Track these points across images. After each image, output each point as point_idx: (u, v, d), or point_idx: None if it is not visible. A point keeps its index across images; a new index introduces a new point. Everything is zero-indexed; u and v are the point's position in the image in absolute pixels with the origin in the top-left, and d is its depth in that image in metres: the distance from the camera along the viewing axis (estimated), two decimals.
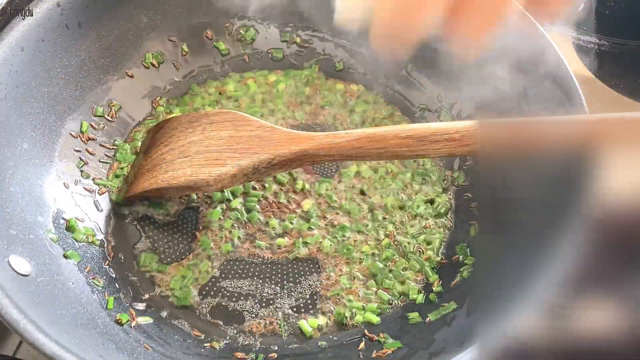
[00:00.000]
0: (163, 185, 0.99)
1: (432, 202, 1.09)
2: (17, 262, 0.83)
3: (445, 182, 1.11)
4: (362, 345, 0.93)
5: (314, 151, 0.94)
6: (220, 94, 1.20)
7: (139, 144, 1.12)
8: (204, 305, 0.98)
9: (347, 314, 0.96)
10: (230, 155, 0.97)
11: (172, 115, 1.14)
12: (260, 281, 1.00)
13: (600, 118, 0.84)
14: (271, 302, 0.99)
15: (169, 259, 1.02)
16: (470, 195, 1.08)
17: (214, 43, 1.21)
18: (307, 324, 0.96)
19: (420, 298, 0.98)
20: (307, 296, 0.99)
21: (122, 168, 1.09)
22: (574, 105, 0.92)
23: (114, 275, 0.98)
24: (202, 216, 1.06)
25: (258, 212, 1.06)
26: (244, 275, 1.01)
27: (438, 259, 1.02)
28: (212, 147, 0.99)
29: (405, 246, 1.03)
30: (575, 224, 0.83)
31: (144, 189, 1.01)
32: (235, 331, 0.96)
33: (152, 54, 1.17)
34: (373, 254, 1.03)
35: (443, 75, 1.14)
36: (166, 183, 0.99)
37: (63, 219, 0.98)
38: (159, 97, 1.17)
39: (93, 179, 1.06)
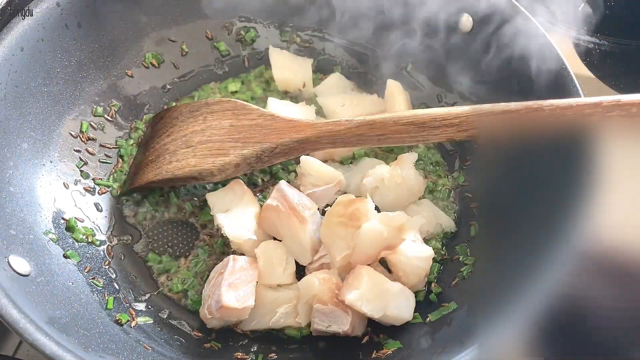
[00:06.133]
0: (167, 176, 0.99)
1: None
2: (17, 262, 0.83)
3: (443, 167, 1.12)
4: (362, 342, 0.93)
5: (315, 138, 0.94)
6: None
7: (141, 134, 1.12)
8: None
9: None
10: (233, 145, 0.97)
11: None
12: None
13: (597, 102, 0.84)
14: None
15: (169, 259, 1.02)
16: (470, 195, 1.08)
17: (214, 43, 1.21)
18: (293, 329, 0.96)
19: (420, 297, 0.97)
20: None
21: (125, 165, 1.09)
22: None
23: (113, 276, 0.98)
24: (201, 215, 1.06)
25: None
26: None
27: (443, 252, 1.03)
28: (215, 137, 0.99)
29: None
30: (574, 225, 0.83)
31: (149, 179, 1.01)
32: (235, 330, 0.96)
33: (152, 54, 1.16)
34: None
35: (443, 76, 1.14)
36: (171, 174, 0.99)
37: (63, 219, 0.98)
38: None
39: (93, 179, 1.06)
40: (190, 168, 0.97)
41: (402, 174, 1.01)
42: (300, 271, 0.99)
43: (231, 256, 0.94)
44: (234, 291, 0.89)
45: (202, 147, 0.99)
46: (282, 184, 0.98)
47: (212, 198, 1.01)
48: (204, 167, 0.97)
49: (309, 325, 0.94)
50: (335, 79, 1.20)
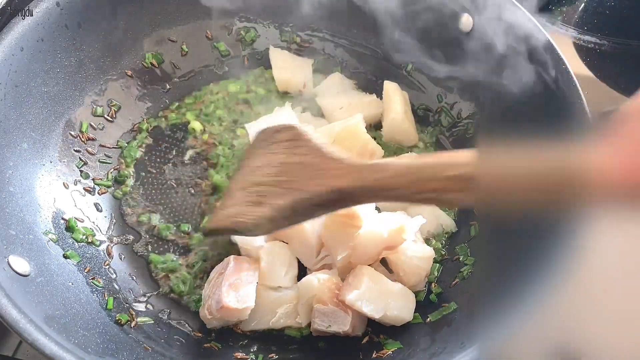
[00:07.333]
0: (219, 225, 0.85)
1: None
2: (17, 262, 0.83)
3: None
4: (362, 342, 0.93)
5: (358, 189, 0.75)
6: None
7: (145, 135, 1.13)
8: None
9: None
10: (272, 191, 0.80)
11: (191, 118, 1.15)
12: None
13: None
14: None
15: (169, 259, 1.02)
16: None
17: (214, 43, 1.21)
18: (293, 329, 0.96)
19: (420, 297, 0.97)
20: None
21: (129, 170, 1.09)
22: (574, 105, 0.92)
23: (113, 276, 0.98)
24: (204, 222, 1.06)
25: None
26: None
27: (443, 252, 1.03)
28: (264, 179, 0.82)
29: None
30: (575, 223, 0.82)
31: (210, 227, 0.90)
32: (235, 330, 0.96)
33: (152, 54, 1.16)
34: None
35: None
36: (217, 224, 0.86)
37: (63, 219, 0.98)
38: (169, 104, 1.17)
39: (93, 179, 1.06)
40: (230, 220, 0.82)
41: None
42: (302, 272, 0.99)
43: (232, 256, 0.94)
44: (234, 292, 0.89)
45: (250, 191, 0.83)
46: None
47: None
48: (239, 219, 0.81)
49: (309, 325, 0.94)
50: (335, 79, 1.20)
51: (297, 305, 0.93)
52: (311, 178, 0.78)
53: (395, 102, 1.11)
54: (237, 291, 0.89)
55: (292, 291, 0.94)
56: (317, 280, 0.91)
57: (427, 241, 1.02)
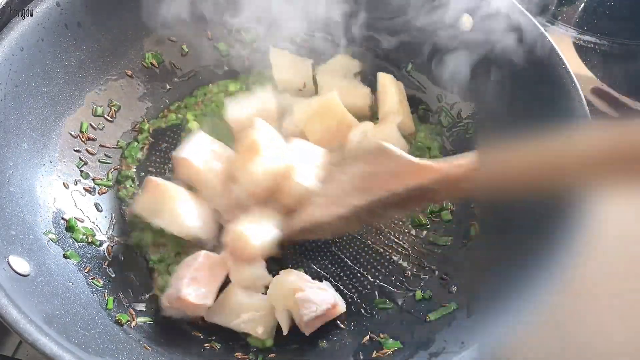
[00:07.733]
0: (297, 230, 0.95)
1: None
2: (17, 262, 0.83)
3: None
4: (362, 342, 0.93)
5: (432, 185, 0.82)
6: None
7: (147, 136, 1.13)
8: None
9: None
10: (350, 195, 0.89)
11: (190, 117, 1.15)
12: None
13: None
14: None
15: (170, 259, 1.02)
16: None
17: (214, 43, 1.21)
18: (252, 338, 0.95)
19: (419, 296, 0.98)
20: None
21: (130, 172, 1.09)
22: (574, 105, 0.92)
23: (113, 276, 0.98)
24: None
25: None
26: None
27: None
28: (345, 187, 0.91)
29: None
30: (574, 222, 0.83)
31: (290, 232, 0.96)
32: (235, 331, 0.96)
33: (152, 54, 1.16)
34: None
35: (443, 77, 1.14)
36: (297, 227, 0.95)
37: (63, 219, 0.98)
38: (170, 104, 1.18)
39: (93, 179, 1.06)
40: (307, 221, 0.93)
41: (385, 131, 1.05)
42: None
43: (202, 252, 0.94)
44: (195, 286, 0.90)
45: (328, 196, 0.93)
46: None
47: (139, 208, 1.00)
48: (315, 219, 0.92)
49: (271, 338, 0.93)
50: (340, 60, 1.19)
51: (263, 317, 0.92)
52: (387, 181, 0.86)
53: (391, 92, 1.11)
54: (199, 286, 0.90)
55: (262, 302, 0.93)
56: (286, 276, 0.92)
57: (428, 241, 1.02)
